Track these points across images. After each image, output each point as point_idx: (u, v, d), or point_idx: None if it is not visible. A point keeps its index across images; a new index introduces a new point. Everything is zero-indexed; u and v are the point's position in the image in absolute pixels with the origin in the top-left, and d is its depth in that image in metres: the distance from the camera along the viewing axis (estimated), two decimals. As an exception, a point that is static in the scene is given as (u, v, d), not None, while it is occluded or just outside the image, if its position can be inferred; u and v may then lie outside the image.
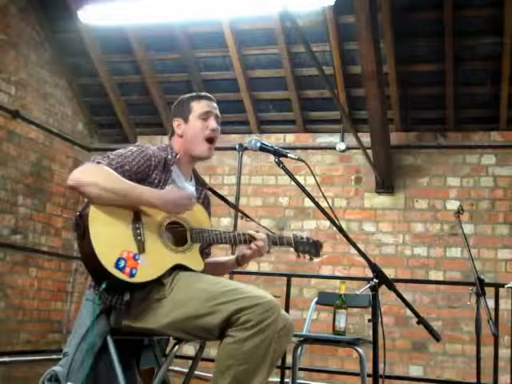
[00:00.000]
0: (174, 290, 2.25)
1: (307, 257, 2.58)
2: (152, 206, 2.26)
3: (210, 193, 2.72)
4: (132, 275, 2.17)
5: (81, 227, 2.20)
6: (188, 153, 2.52)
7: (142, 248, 2.23)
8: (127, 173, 2.27)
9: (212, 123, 2.52)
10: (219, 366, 2.13)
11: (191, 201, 2.35)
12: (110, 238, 2.19)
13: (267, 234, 2.52)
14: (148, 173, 2.34)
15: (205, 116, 2.52)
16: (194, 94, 2.62)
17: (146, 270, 2.21)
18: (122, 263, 2.16)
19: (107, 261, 2.14)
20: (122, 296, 2.23)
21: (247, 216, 2.72)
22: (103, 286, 2.18)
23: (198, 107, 2.53)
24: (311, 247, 2.58)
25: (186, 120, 2.52)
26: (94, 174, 2.19)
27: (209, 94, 2.61)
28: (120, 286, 2.19)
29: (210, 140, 2.52)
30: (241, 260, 2.57)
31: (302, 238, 2.58)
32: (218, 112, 2.58)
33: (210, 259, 2.63)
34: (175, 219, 2.36)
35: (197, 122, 2.51)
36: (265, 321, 2.09)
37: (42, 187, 6.47)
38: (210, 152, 2.54)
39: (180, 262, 2.32)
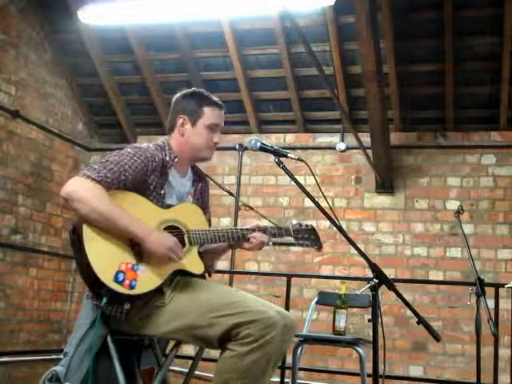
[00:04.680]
0: (174, 299, 2.24)
1: (308, 244, 2.50)
2: (136, 239, 2.20)
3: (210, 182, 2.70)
4: (132, 287, 2.16)
5: (76, 242, 2.18)
6: (189, 155, 2.48)
7: (139, 257, 2.22)
8: (123, 182, 2.24)
9: (217, 137, 2.49)
10: (219, 379, 2.13)
11: (176, 254, 2.26)
12: (106, 251, 2.17)
13: (266, 227, 2.49)
14: (145, 178, 2.31)
15: (213, 127, 2.48)
16: (208, 96, 2.51)
17: (146, 280, 2.20)
18: (120, 276, 2.14)
19: (106, 275, 2.13)
20: (121, 305, 2.22)
21: (248, 206, 2.70)
22: (104, 300, 2.17)
23: (209, 116, 2.47)
24: (310, 233, 2.52)
25: (193, 123, 2.47)
26: (85, 193, 2.15)
27: (220, 102, 2.53)
28: (120, 297, 2.18)
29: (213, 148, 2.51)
30: (235, 246, 2.53)
31: (300, 225, 2.53)
32: (223, 122, 2.55)
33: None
34: (172, 223, 2.34)
35: (204, 130, 2.46)
36: (265, 337, 2.09)
37: (42, 187, 6.47)
38: (212, 155, 2.53)
39: (180, 268, 2.30)
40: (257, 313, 2.13)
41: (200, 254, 2.43)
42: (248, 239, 2.44)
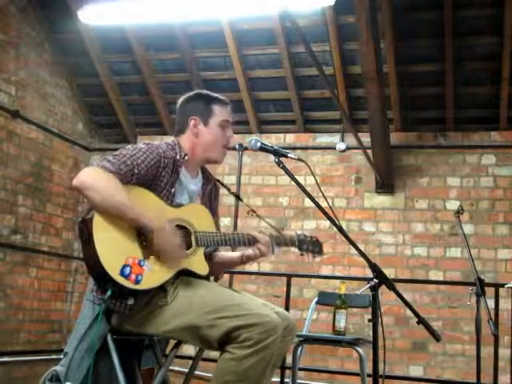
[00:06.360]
0: (176, 298, 2.25)
1: (310, 255, 2.58)
2: (145, 229, 2.21)
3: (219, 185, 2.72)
4: (137, 282, 2.17)
5: (84, 233, 2.18)
6: (202, 155, 2.50)
7: (146, 254, 2.22)
8: (136, 176, 2.25)
9: (230, 132, 2.54)
10: (217, 380, 2.14)
11: (178, 254, 2.27)
12: (114, 245, 2.17)
13: (271, 235, 2.51)
14: (156, 175, 2.32)
15: (224, 125, 2.52)
16: (214, 95, 2.56)
17: (152, 277, 2.20)
18: (127, 270, 2.15)
19: (112, 268, 2.13)
20: (125, 300, 2.22)
21: (254, 211, 2.71)
22: (109, 293, 2.17)
23: (220, 114, 2.51)
24: (314, 245, 2.59)
25: (205, 123, 2.50)
26: (100, 181, 2.16)
27: (226, 99, 2.57)
28: (125, 292, 2.19)
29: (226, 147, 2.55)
30: (245, 260, 2.56)
31: (304, 236, 2.59)
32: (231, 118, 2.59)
33: (217, 256, 2.60)
34: (179, 223, 2.34)
35: (217, 128, 2.50)
36: (265, 340, 2.09)
37: (42, 187, 6.47)
38: (223, 157, 2.57)
39: (185, 267, 2.31)
40: (258, 316, 2.12)
41: (207, 257, 2.43)
42: (254, 244, 2.47)
